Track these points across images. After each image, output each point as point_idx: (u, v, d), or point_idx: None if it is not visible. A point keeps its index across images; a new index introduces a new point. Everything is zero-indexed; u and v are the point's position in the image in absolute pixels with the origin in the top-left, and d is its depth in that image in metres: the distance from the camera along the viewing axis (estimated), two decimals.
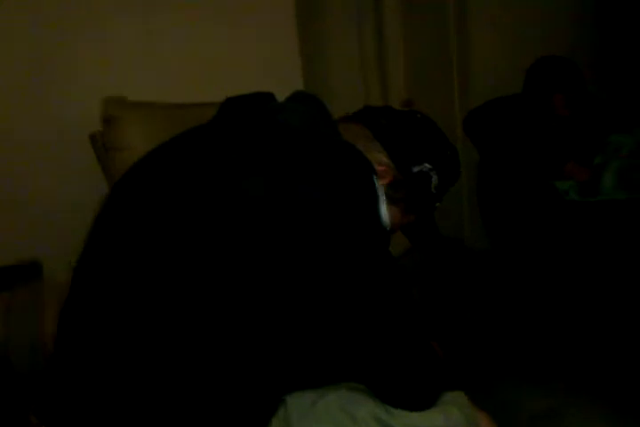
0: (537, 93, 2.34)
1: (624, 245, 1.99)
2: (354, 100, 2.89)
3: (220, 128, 0.93)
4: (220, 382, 0.80)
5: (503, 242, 2.33)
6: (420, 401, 0.87)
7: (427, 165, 1.03)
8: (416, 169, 1.02)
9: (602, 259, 2.01)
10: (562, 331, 1.76)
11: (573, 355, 1.64)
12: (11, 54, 1.87)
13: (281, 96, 1.02)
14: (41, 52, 1.91)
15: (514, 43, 2.81)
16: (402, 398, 0.86)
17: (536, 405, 1.42)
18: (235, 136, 0.88)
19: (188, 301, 0.78)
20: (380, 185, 0.95)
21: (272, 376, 0.84)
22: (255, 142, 0.86)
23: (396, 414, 0.85)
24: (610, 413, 1.36)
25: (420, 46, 3.08)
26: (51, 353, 0.89)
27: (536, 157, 2.20)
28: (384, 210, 0.94)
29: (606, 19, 2.91)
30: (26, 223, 1.85)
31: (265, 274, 0.78)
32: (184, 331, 0.78)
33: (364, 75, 3.09)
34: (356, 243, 0.81)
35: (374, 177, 0.91)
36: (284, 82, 2.24)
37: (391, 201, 0.98)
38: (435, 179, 1.05)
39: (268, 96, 1.01)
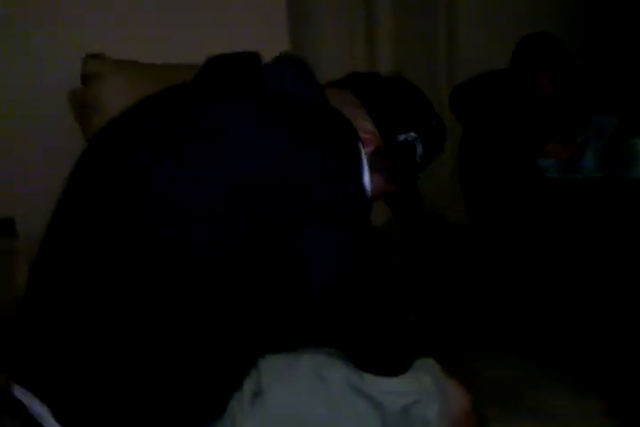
0: (523, 71, 2.33)
1: (602, 222, 2.02)
2: (339, 73, 2.86)
3: (199, 90, 0.91)
4: (194, 347, 0.79)
5: (482, 217, 2.34)
6: (393, 367, 0.87)
7: (412, 133, 1.02)
8: (401, 138, 1.02)
9: (580, 236, 2.03)
10: (534, 306, 1.79)
11: (542, 329, 1.67)
12: None
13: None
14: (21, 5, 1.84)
15: (500, 16, 2.80)
16: (375, 364, 0.87)
17: (499, 374, 1.45)
18: (215, 100, 0.86)
19: (164, 261, 0.78)
20: (365, 153, 0.94)
21: (246, 340, 0.84)
22: (237, 106, 0.84)
23: (369, 380, 0.86)
24: (571, 386, 1.40)
25: (409, 24, 3.03)
26: (20, 309, 0.88)
27: (519, 134, 2.21)
28: (367, 178, 0.93)
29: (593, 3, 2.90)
30: (1, 179, 1.80)
31: (241, 235, 0.78)
32: (159, 295, 0.78)
33: (350, 45, 3.05)
34: (339, 207, 0.81)
35: (359, 144, 0.90)
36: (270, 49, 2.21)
37: (374, 169, 0.97)
38: (419, 148, 1.04)
39: (253, 56, 0.98)
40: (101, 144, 0.91)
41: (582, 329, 1.65)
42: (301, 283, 0.80)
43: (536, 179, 2.21)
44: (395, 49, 3.04)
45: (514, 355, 1.58)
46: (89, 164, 0.90)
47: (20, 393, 0.82)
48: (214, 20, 2.14)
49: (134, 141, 0.85)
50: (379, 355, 0.87)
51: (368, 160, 0.94)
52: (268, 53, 0.99)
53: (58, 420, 0.79)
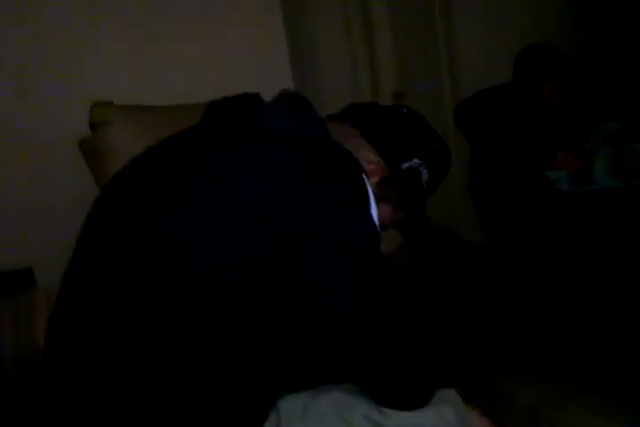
0: (526, 82, 2.34)
1: (618, 234, 1.98)
2: (344, 94, 2.90)
3: (206, 132, 0.93)
4: (213, 385, 0.79)
5: (497, 234, 2.32)
6: (413, 400, 0.86)
7: (416, 160, 1.03)
8: (405, 165, 1.02)
9: (596, 249, 2.00)
10: (556, 325, 1.76)
11: (567, 349, 1.64)
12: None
13: (270, 92, 1.02)
14: (29, 57, 1.90)
15: (500, 31, 2.82)
16: (394, 398, 0.86)
17: (528, 397, 1.42)
18: (220, 142, 0.88)
19: (181, 303, 0.78)
20: (370, 183, 0.95)
21: (265, 378, 0.84)
22: (241, 148, 0.85)
23: (390, 415, 0.84)
24: (601, 404, 1.36)
25: (409, 39, 3.07)
26: (41, 360, 0.89)
27: (527, 146, 2.20)
28: (374, 208, 0.94)
29: (593, 5, 2.90)
30: (18, 229, 1.84)
31: (257, 271, 0.78)
32: (178, 334, 0.78)
33: (353, 67, 3.09)
34: (347, 239, 0.81)
35: (364, 176, 0.91)
36: (272, 75, 2.25)
37: (382, 199, 0.98)
38: (425, 173, 1.04)
39: (254, 97, 1.00)
40: (115, 190, 0.92)
41: (606, 345, 1.62)
42: (315, 311, 0.80)
43: (549, 192, 2.19)
44: (397, 71, 3.09)
45: (538, 376, 1.55)
46: (103, 210, 0.91)
47: None
48: (214, 59, 2.19)
49: (148, 186, 0.87)
50: (398, 388, 0.86)
51: (374, 190, 0.95)
52: (272, 89, 1.01)
53: None
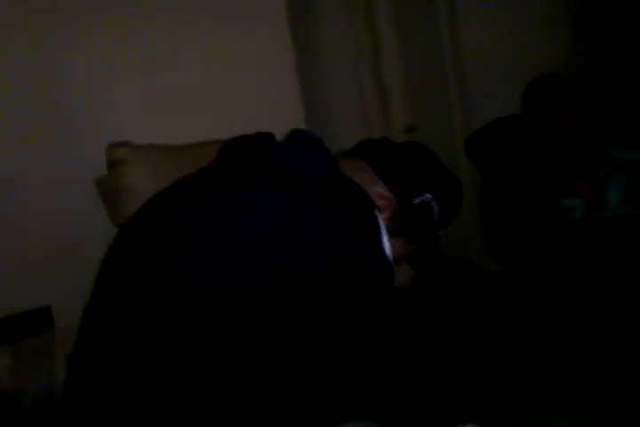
0: (538, 112, 2.34)
1: (633, 261, 1.97)
2: (354, 127, 2.94)
3: (222, 171, 0.95)
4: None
5: (511, 263, 2.31)
6: None
7: (427, 195, 1.04)
8: (417, 200, 1.03)
9: (611, 276, 1.98)
10: (574, 352, 1.73)
11: (586, 378, 1.61)
12: (16, 101, 1.91)
13: (281, 125, 1.04)
14: (46, 98, 1.96)
15: (511, 63, 2.85)
16: None
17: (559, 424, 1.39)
18: (234, 182, 0.90)
19: (202, 348, 0.79)
20: (382, 218, 0.96)
21: (283, 417, 0.84)
22: (255, 187, 0.87)
23: None
24: None
25: (419, 73, 3.12)
26: (61, 400, 0.90)
27: (540, 175, 2.20)
28: (387, 243, 0.94)
29: (602, 33, 2.93)
30: (36, 268, 1.86)
31: (273, 315, 0.79)
32: (200, 377, 0.79)
33: (363, 100, 3.14)
34: (363, 281, 0.82)
35: (376, 211, 0.92)
36: (283, 116, 2.29)
37: (394, 233, 0.99)
38: (436, 208, 1.05)
39: (267, 136, 1.02)
40: (132, 232, 0.94)
41: (627, 373, 1.58)
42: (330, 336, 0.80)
43: (564, 220, 2.18)
44: (407, 102, 3.12)
45: (563, 409, 1.52)
46: (121, 252, 0.92)
47: None
48: (228, 94, 2.24)
49: (166, 227, 0.88)
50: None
51: (386, 225, 0.96)
52: (283, 122, 1.03)
53: None
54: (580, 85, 2.37)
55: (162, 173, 1.61)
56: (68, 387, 0.89)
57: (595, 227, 2.12)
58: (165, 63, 2.13)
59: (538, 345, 1.82)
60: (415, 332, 0.93)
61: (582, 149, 2.37)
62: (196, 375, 0.79)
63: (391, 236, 0.97)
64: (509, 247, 2.30)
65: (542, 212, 2.20)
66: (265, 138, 1.01)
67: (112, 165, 1.72)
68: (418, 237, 1.07)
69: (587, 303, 1.96)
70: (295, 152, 0.95)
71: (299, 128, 1.05)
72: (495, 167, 2.29)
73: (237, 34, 2.28)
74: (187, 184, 0.96)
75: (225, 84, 2.24)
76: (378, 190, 1.00)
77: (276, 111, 2.31)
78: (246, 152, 0.97)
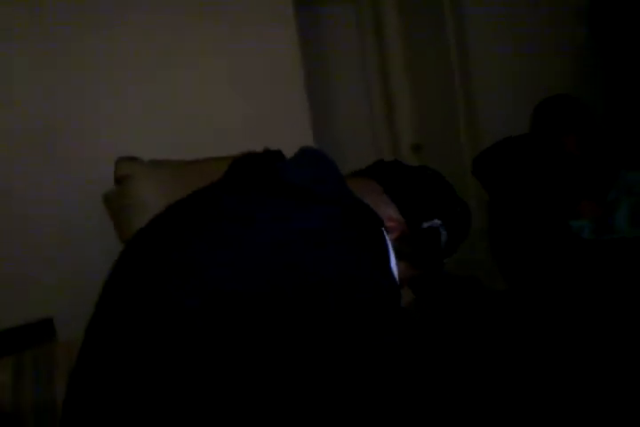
0: (547, 134, 2.34)
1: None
2: (362, 145, 2.96)
3: (229, 189, 0.95)
4: None
5: (519, 282, 2.30)
6: None
7: (437, 221, 1.03)
8: (426, 225, 1.02)
9: (619, 297, 1.97)
10: (583, 371, 1.71)
11: (596, 396, 1.59)
12: (18, 116, 1.94)
13: (291, 147, 1.04)
14: (55, 115, 1.99)
15: (518, 84, 2.87)
16: None
17: None
18: (241, 199, 0.91)
19: (207, 364, 0.78)
20: (389, 240, 0.96)
21: None
22: (266, 204, 0.88)
23: None
24: None
25: (427, 92, 3.14)
26: (61, 417, 0.89)
27: (549, 196, 2.20)
28: (394, 265, 0.94)
29: (607, 55, 2.95)
30: (42, 280, 1.87)
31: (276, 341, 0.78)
32: (202, 397, 0.78)
33: (371, 119, 3.16)
34: (371, 298, 0.82)
35: (384, 232, 0.92)
36: (291, 132, 2.31)
37: (399, 256, 0.98)
38: (444, 235, 1.04)
39: (276, 154, 1.02)
40: (137, 249, 0.93)
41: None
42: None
43: (572, 241, 2.17)
44: (415, 123, 3.14)
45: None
46: (126, 268, 0.92)
47: None
48: (236, 113, 2.26)
49: (171, 243, 0.88)
50: None
51: (393, 246, 0.95)
52: (292, 141, 1.04)
53: None
54: (588, 107, 2.38)
55: (169, 188, 1.63)
56: (66, 405, 0.88)
57: (602, 248, 2.11)
58: (168, 77, 2.16)
59: (543, 360, 1.81)
60: (423, 350, 0.92)
61: (591, 170, 2.37)
62: (197, 391, 0.78)
63: (397, 258, 0.96)
64: (517, 267, 2.29)
65: (550, 232, 2.19)
66: (274, 155, 1.02)
67: (119, 179, 1.73)
68: (422, 262, 1.06)
69: (593, 322, 1.95)
70: (305, 170, 0.95)
71: (308, 146, 1.06)
72: (502, 186, 2.29)
73: (246, 50, 2.30)
74: (197, 199, 0.96)
75: (232, 100, 2.26)
76: (387, 211, 0.99)
77: (285, 128, 2.33)
78: (256, 169, 0.97)
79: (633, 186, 2.25)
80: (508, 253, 2.32)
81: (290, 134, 2.28)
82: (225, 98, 2.25)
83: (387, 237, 0.92)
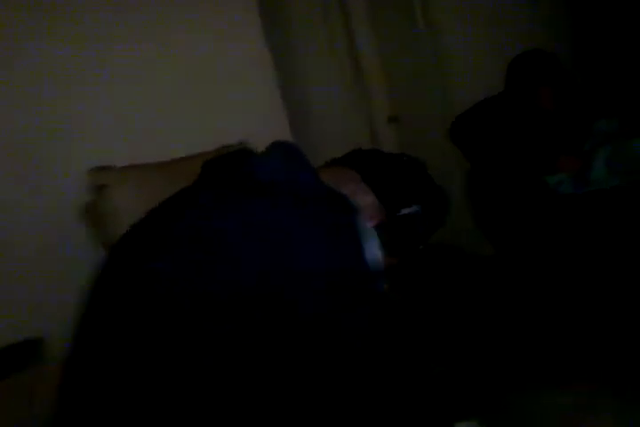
0: (521, 88, 2.33)
1: (623, 233, 1.96)
2: (338, 123, 2.94)
3: (204, 191, 0.97)
4: None
5: (503, 244, 2.31)
6: None
7: (414, 207, 1.04)
8: (404, 211, 1.03)
9: (602, 249, 1.98)
10: (567, 330, 1.73)
11: (580, 356, 1.61)
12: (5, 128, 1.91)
13: (263, 129, 1.04)
14: (25, 124, 1.95)
15: (488, 43, 2.84)
16: None
17: (562, 400, 1.40)
18: (217, 199, 0.92)
19: (192, 383, 0.80)
20: (371, 227, 0.96)
21: None
22: (238, 204, 0.89)
23: None
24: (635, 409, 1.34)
25: (399, 65, 3.11)
26: None
27: (527, 153, 2.19)
28: (376, 251, 0.94)
29: (580, 8, 2.91)
30: (26, 297, 1.85)
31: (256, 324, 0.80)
32: (195, 412, 0.79)
33: (347, 98, 3.14)
34: (356, 287, 0.84)
35: (361, 219, 0.93)
36: (265, 114, 2.30)
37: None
38: (422, 221, 1.05)
39: (246, 153, 1.03)
40: (118, 254, 0.95)
41: (622, 347, 1.58)
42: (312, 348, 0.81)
43: (551, 197, 2.17)
44: (390, 96, 3.12)
45: (572, 381, 1.53)
46: (112, 270, 0.93)
47: None
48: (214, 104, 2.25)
49: (152, 249, 0.89)
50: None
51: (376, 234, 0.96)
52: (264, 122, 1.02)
53: None
54: (560, 60, 2.36)
55: (145, 192, 1.64)
56: (63, 404, 0.89)
57: (583, 201, 2.11)
58: (141, 79, 2.13)
59: (532, 326, 1.83)
60: (401, 335, 0.93)
61: (567, 124, 2.36)
62: (188, 409, 0.79)
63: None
64: (501, 231, 2.30)
65: (529, 189, 2.20)
66: (244, 153, 1.02)
67: (96, 189, 1.74)
68: (398, 250, 1.07)
69: (578, 277, 1.96)
70: (277, 166, 0.96)
71: (280, 140, 1.06)
72: (480, 149, 2.29)
73: (212, 42, 2.27)
74: (176, 201, 0.97)
75: (205, 91, 2.25)
76: (365, 199, 1.00)
77: (258, 113, 2.30)
78: (229, 169, 0.98)
79: (607, 135, 2.24)
80: (492, 217, 2.33)
81: (263, 114, 2.28)
82: (196, 85, 2.23)
83: (363, 225, 0.92)
